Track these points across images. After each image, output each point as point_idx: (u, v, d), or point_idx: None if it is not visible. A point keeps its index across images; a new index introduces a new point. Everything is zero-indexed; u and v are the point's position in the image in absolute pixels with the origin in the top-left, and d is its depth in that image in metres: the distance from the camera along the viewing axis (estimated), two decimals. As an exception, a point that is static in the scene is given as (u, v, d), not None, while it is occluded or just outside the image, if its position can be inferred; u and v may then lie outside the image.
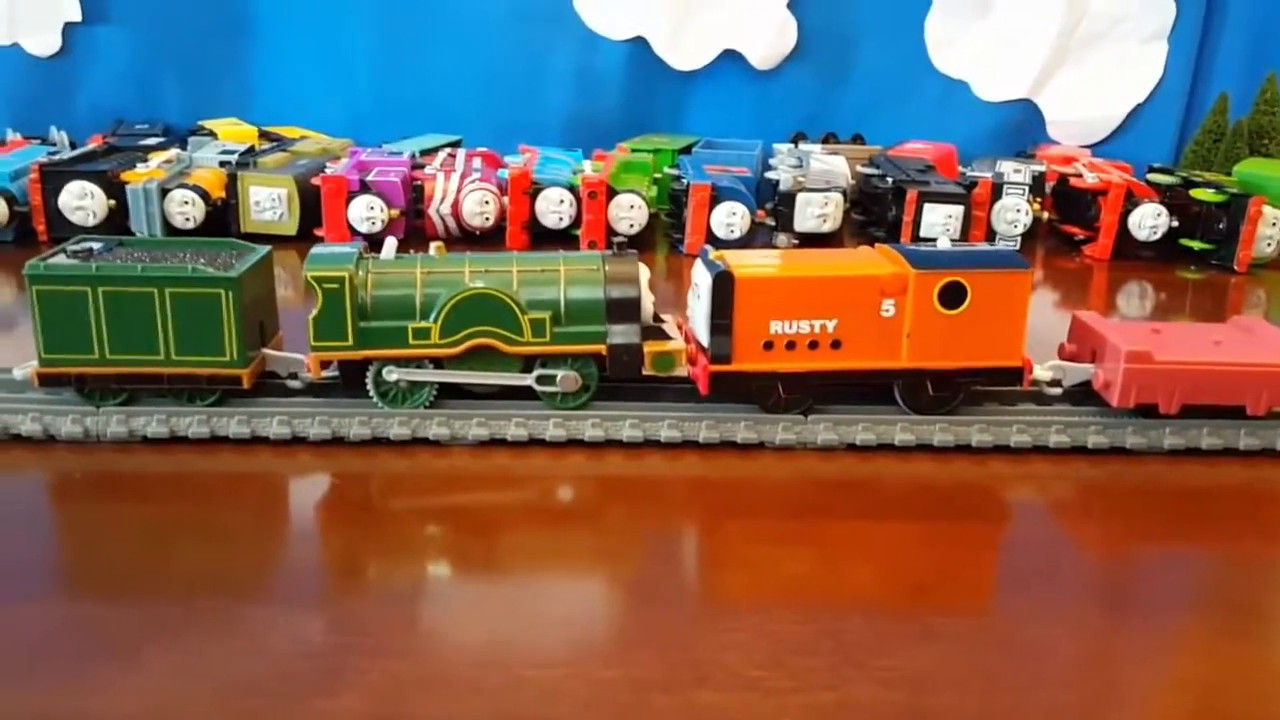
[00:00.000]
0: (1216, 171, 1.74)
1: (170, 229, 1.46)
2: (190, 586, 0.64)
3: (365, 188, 1.46)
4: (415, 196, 1.51)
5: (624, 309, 0.84)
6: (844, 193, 1.55)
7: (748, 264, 0.84)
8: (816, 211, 1.52)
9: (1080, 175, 1.61)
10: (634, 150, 1.69)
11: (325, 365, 0.84)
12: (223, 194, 1.49)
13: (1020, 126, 1.92)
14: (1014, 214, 1.53)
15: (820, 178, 1.56)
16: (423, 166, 1.56)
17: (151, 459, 0.81)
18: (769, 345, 0.83)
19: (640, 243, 1.50)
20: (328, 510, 0.77)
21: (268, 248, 0.88)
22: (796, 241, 1.54)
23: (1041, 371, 0.87)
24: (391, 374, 0.83)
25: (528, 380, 0.85)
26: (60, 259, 0.83)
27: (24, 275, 0.80)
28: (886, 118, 1.91)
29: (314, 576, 0.68)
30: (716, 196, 1.48)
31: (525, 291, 0.84)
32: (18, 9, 1.88)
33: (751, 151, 1.74)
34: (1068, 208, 1.62)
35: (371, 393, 0.84)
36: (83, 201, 1.44)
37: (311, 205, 1.47)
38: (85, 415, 0.83)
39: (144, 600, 0.63)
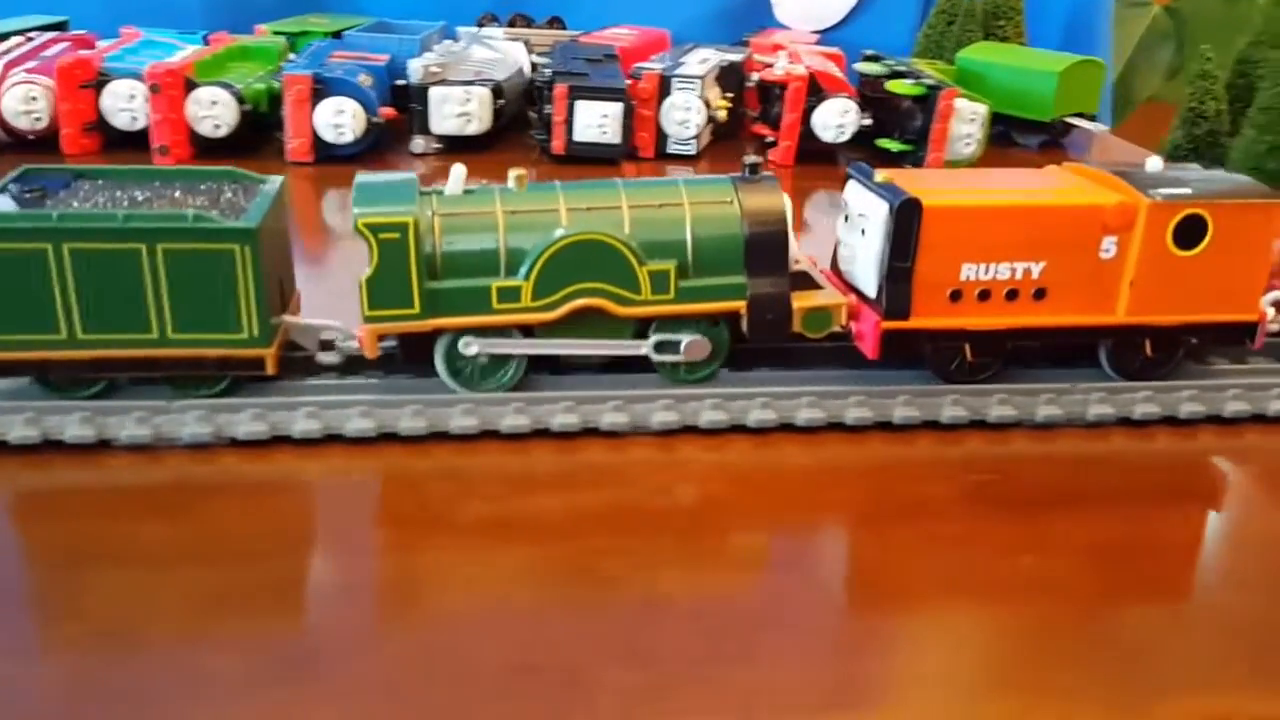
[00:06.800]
0: (948, 59, 1.49)
1: None
2: None
3: None
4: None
5: (768, 252, 0.64)
6: (497, 87, 1.27)
7: (930, 188, 0.63)
8: (457, 110, 1.25)
9: (771, 67, 1.33)
10: (275, 33, 1.40)
11: (382, 339, 0.61)
12: None
13: (745, 11, 1.69)
14: (683, 113, 1.27)
15: (469, 68, 1.29)
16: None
17: (126, 470, 0.58)
18: (956, 295, 0.64)
19: (236, 150, 1.18)
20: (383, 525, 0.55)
21: (280, 178, 0.65)
22: (438, 146, 1.27)
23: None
24: (470, 347, 0.61)
25: (643, 349, 0.64)
26: (4, 201, 0.59)
27: None
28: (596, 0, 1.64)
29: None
30: (320, 90, 1.19)
31: (640, 233, 0.62)
32: None
33: (418, 35, 1.43)
34: (766, 104, 1.35)
35: (442, 372, 0.63)
36: None
37: None
38: (44, 414, 0.59)
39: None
